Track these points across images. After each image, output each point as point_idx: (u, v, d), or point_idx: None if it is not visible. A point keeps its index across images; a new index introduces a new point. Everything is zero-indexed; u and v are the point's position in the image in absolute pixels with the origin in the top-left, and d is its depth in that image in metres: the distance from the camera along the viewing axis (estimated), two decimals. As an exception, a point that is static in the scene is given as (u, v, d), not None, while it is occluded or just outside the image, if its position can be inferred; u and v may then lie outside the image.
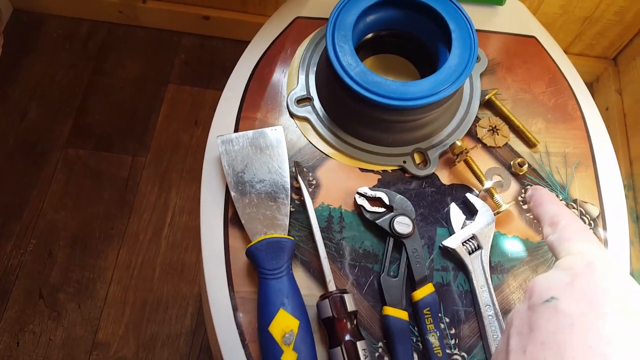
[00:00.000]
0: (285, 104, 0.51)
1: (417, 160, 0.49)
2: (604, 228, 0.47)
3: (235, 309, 0.42)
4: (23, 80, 1.12)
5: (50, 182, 1.03)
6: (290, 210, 0.46)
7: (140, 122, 1.10)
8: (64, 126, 1.08)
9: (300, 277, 0.44)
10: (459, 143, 0.47)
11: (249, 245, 0.42)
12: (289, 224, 0.45)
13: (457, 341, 0.42)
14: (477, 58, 0.53)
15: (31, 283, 0.95)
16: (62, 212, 1.01)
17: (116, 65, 1.15)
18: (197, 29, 1.17)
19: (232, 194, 0.45)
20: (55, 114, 1.09)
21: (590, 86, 1.21)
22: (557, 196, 0.48)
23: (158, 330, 0.93)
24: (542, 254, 0.46)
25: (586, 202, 0.49)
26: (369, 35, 0.51)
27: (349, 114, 0.48)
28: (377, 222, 0.45)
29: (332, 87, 0.48)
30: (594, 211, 0.48)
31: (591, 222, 0.48)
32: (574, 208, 0.48)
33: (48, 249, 0.98)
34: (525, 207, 0.48)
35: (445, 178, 0.49)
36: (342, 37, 0.46)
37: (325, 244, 0.44)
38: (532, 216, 0.47)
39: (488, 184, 0.46)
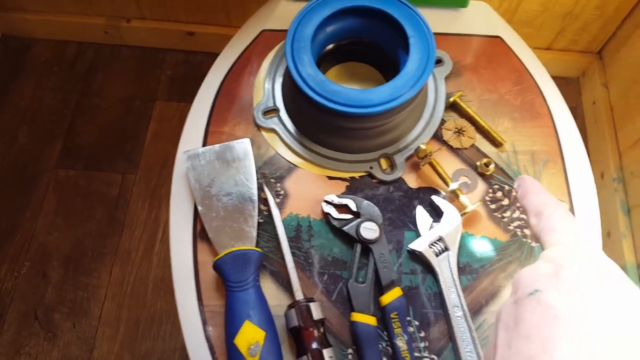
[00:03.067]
0: (252, 117, 0.51)
1: (384, 166, 0.49)
2: (574, 224, 0.47)
3: (205, 323, 0.42)
4: (12, 105, 1.14)
5: (42, 204, 1.04)
6: (258, 222, 0.46)
7: (129, 140, 1.11)
8: (54, 148, 1.10)
9: (270, 287, 0.44)
10: (423, 146, 0.47)
11: (216, 258, 0.43)
12: (258, 236, 0.45)
13: (427, 344, 0.42)
14: (441, 61, 0.54)
15: (26, 305, 0.96)
16: (55, 232, 1.02)
17: (103, 85, 1.16)
18: (182, 45, 1.18)
19: (199, 208, 0.46)
20: (45, 136, 1.11)
21: (576, 81, 1.20)
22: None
23: (153, 346, 0.94)
24: (511, 252, 0.46)
25: (555, 199, 0.48)
26: (331, 46, 0.51)
27: (313, 123, 0.49)
28: (344, 229, 0.45)
29: (295, 98, 0.48)
30: (563, 207, 0.48)
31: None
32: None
33: (42, 270, 0.99)
34: (493, 206, 0.48)
35: (412, 182, 0.49)
36: (302, 48, 0.46)
37: (294, 253, 0.45)
38: (500, 215, 0.47)
39: (453, 186, 0.46)
